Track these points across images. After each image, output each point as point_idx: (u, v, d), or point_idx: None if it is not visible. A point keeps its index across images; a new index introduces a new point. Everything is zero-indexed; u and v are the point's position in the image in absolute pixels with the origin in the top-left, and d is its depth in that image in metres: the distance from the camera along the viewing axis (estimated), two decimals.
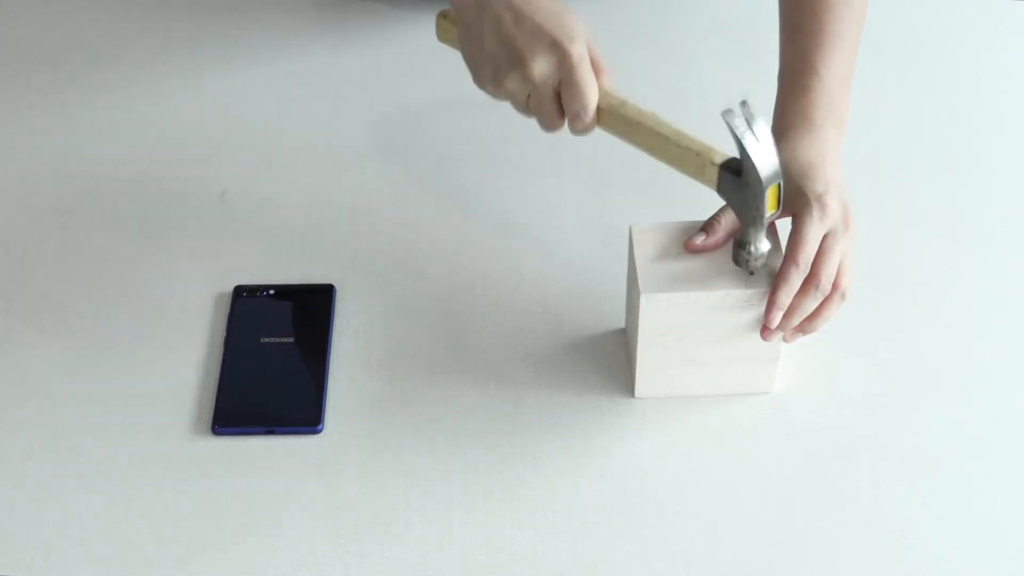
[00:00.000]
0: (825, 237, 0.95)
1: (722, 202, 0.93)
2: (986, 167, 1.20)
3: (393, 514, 0.96)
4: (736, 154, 0.89)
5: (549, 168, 1.20)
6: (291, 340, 1.06)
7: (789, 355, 1.03)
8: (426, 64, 1.29)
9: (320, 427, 1.00)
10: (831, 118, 1.00)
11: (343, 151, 1.22)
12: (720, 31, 1.31)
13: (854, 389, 1.03)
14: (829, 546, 0.94)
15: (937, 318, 1.07)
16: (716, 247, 0.97)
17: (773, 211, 0.91)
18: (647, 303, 0.96)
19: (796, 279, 0.94)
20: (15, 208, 1.18)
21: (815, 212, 0.94)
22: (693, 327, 0.97)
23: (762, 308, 0.96)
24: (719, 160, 0.90)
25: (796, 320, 0.96)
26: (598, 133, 0.94)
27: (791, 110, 1.01)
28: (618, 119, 0.92)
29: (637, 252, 0.98)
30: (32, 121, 1.25)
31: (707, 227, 0.97)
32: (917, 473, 0.98)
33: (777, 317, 0.95)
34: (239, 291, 1.09)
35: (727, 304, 0.96)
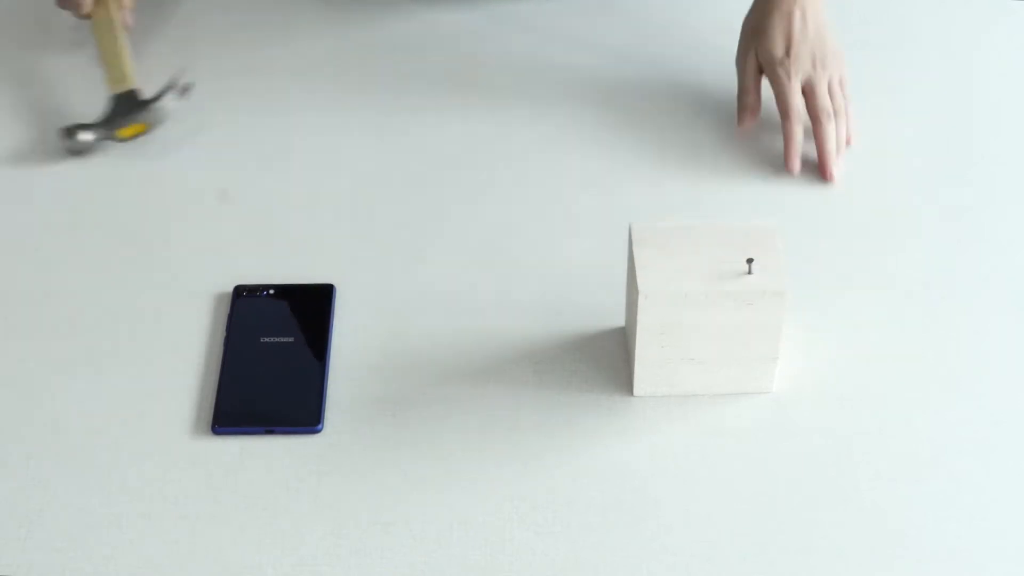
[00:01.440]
0: (804, 83, 1.18)
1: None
2: (986, 166, 1.20)
3: (393, 514, 0.96)
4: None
5: (549, 167, 1.20)
6: (291, 340, 1.06)
7: (788, 355, 1.03)
8: (426, 64, 1.29)
9: (320, 427, 1.00)
10: None
11: (343, 151, 1.22)
12: (723, 32, 1.31)
13: (853, 389, 1.03)
14: (828, 545, 0.94)
15: (937, 318, 1.07)
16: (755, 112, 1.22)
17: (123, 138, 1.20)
18: (646, 302, 0.96)
19: (798, 127, 1.17)
20: (15, 208, 1.18)
21: (780, 75, 1.18)
22: (692, 326, 0.97)
23: (762, 308, 0.96)
24: (118, 89, 1.21)
25: (831, 146, 1.17)
26: None
27: None
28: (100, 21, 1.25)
29: (637, 251, 0.98)
30: (32, 120, 1.25)
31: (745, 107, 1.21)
32: (916, 473, 0.98)
33: (796, 161, 1.17)
34: (239, 291, 1.09)
35: (727, 304, 0.96)
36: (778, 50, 1.19)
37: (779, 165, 1.19)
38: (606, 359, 1.04)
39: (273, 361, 1.04)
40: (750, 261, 0.96)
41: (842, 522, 0.95)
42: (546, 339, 1.06)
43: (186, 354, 1.05)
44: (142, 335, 1.07)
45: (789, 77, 1.18)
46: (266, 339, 1.05)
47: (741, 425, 1.01)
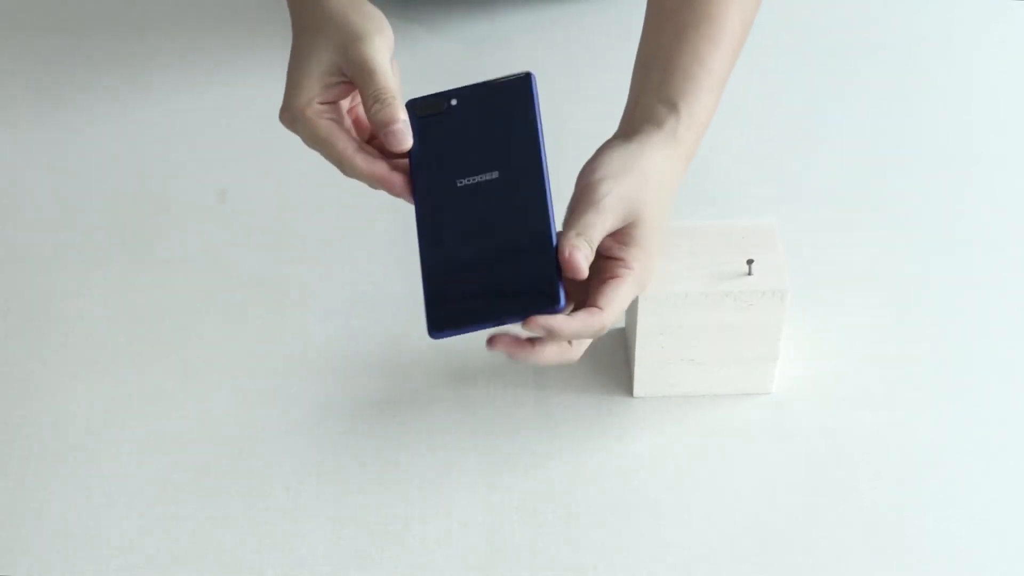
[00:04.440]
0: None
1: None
2: (986, 166, 1.20)
3: (393, 514, 0.96)
4: None
5: (549, 167, 1.20)
6: (495, 175, 0.81)
7: (788, 356, 1.03)
8: (427, 64, 1.29)
9: (561, 304, 0.79)
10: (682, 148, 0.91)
11: None
12: None
13: (853, 389, 1.03)
14: (828, 545, 0.94)
15: (937, 318, 1.07)
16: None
17: None
18: (646, 303, 0.96)
19: (591, 332, 0.83)
20: (16, 208, 1.18)
21: (641, 280, 0.85)
22: (692, 327, 0.97)
23: (762, 308, 0.96)
24: None
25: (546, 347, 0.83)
26: None
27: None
28: None
29: None
30: (33, 122, 1.25)
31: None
32: (916, 473, 0.98)
33: (538, 330, 0.81)
34: (413, 107, 0.84)
35: (726, 304, 0.96)
36: (652, 242, 0.86)
37: (779, 165, 1.19)
38: (606, 359, 1.04)
39: (480, 211, 0.81)
40: (750, 262, 0.96)
41: (842, 522, 0.95)
42: None
43: (185, 355, 1.06)
44: (143, 336, 1.07)
45: (640, 287, 0.86)
46: (464, 180, 0.82)
47: (741, 426, 1.01)
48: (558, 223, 0.84)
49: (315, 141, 0.87)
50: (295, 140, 1.24)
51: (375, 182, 0.86)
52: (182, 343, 1.07)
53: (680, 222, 0.99)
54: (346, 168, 0.86)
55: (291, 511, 0.96)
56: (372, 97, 0.84)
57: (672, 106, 0.90)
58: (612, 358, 1.05)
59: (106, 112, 1.25)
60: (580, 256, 0.81)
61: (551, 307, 0.79)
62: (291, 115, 0.87)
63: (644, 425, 1.01)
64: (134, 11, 1.35)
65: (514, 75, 0.85)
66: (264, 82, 1.29)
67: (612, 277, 0.84)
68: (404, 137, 0.84)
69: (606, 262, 0.85)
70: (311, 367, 1.05)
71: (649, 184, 0.86)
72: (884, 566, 0.93)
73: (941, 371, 1.04)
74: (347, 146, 0.86)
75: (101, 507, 0.96)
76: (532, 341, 0.83)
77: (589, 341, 0.86)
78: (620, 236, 0.85)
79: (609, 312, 0.83)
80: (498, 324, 0.81)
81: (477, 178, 0.83)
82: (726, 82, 0.94)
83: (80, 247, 1.14)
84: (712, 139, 1.23)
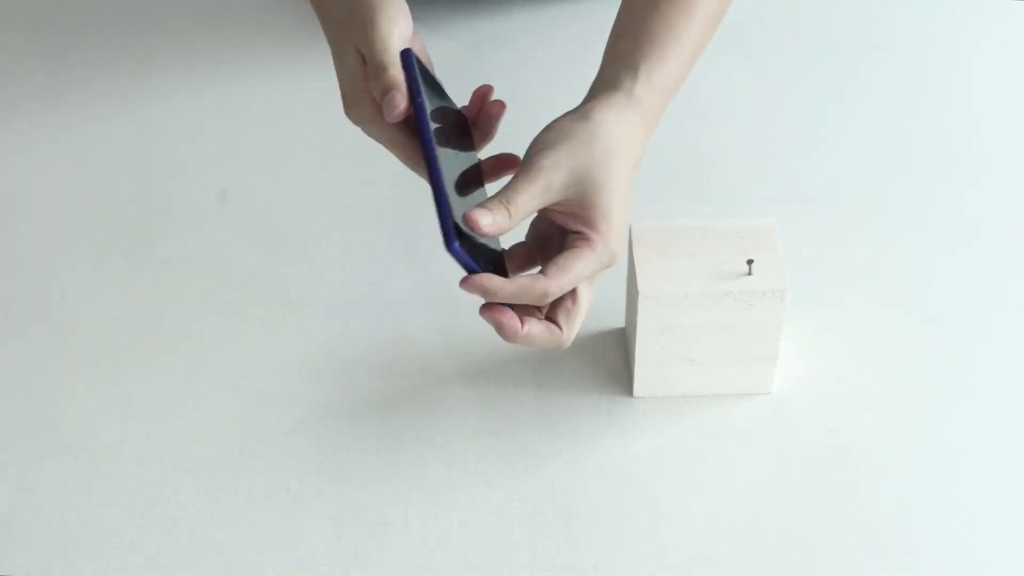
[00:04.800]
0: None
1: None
2: (986, 166, 1.20)
3: (393, 514, 0.96)
4: None
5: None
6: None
7: (788, 356, 1.03)
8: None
9: (453, 245, 0.82)
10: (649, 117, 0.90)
11: (343, 150, 1.22)
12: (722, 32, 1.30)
13: (853, 389, 1.03)
14: (828, 545, 0.94)
15: (937, 318, 1.07)
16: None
17: None
18: (646, 303, 0.96)
19: (532, 297, 0.83)
20: (16, 208, 1.18)
21: (600, 252, 0.84)
22: (692, 327, 0.97)
23: (762, 308, 0.96)
24: None
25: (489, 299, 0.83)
26: None
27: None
28: None
29: (637, 252, 0.98)
30: (33, 122, 1.25)
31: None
32: (916, 473, 0.98)
33: (474, 290, 0.82)
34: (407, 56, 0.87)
35: (726, 304, 0.96)
36: (615, 216, 0.85)
37: (779, 165, 1.19)
38: (606, 359, 1.04)
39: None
40: (750, 262, 0.96)
41: (842, 522, 0.95)
42: None
43: (185, 355, 1.06)
44: (143, 336, 1.07)
45: (601, 264, 0.85)
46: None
47: (741, 426, 1.01)
48: None
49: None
50: (295, 140, 1.24)
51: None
52: (182, 343, 1.07)
53: (680, 222, 0.99)
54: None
55: (291, 511, 0.96)
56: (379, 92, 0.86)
57: (633, 69, 0.89)
58: (612, 358, 1.05)
59: (106, 112, 1.25)
60: (476, 214, 0.82)
61: (447, 245, 0.82)
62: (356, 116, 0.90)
63: (644, 425, 1.01)
64: (134, 11, 1.35)
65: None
66: (264, 82, 1.29)
67: (568, 248, 0.84)
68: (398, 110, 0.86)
69: (567, 236, 0.85)
70: (311, 367, 1.05)
71: (594, 146, 0.85)
72: (884, 566, 0.93)
73: (941, 371, 1.04)
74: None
75: (101, 507, 0.96)
76: (520, 316, 0.83)
77: (577, 327, 0.86)
78: (576, 207, 0.85)
79: (554, 280, 0.83)
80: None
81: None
82: (699, 53, 0.93)
83: (80, 247, 1.14)
84: (712, 139, 1.23)
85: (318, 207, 1.17)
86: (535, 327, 0.84)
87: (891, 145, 1.21)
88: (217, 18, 1.35)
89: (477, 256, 0.82)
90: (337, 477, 0.98)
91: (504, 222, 0.83)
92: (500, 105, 0.90)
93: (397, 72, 0.85)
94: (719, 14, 0.93)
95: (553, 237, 0.88)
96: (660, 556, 0.93)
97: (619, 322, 1.06)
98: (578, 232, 0.85)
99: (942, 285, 1.10)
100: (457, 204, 0.84)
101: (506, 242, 0.88)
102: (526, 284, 0.82)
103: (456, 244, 0.81)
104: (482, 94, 0.91)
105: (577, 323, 0.86)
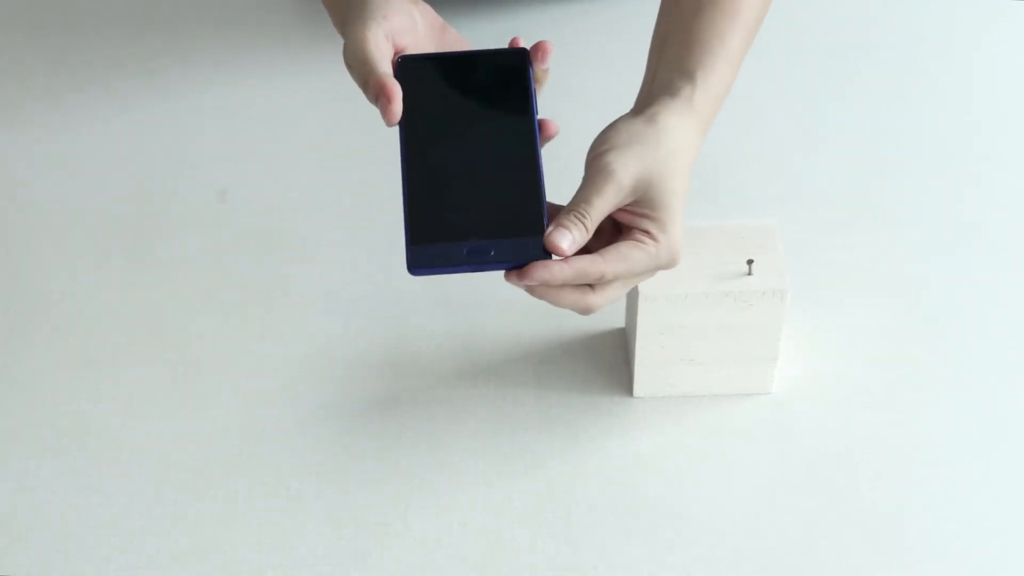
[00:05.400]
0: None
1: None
2: (986, 166, 1.20)
3: (393, 514, 0.96)
4: None
5: (549, 167, 1.20)
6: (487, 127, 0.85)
7: (788, 356, 1.03)
8: None
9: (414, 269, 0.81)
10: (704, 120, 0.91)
11: (343, 150, 1.22)
12: None
13: (853, 390, 1.03)
14: (828, 545, 0.94)
15: (937, 318, 1.07)
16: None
17: None
18: (646, 303, 0.96)
19: (589, 279, 0.82)
20: (16, 208, 1.18)
21: (661, 251, 0.84)
22: (692, 327, 0.97)
23: (762, 308, 0.96)
24: None
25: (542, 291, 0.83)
26: None
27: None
28: None
29: None
30: (33, 122, 1.25)
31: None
32: (916, 473, 0.98)
33: (531, 282, 0.81)
34: (405, 63, 0.87)
35: (726, 304, 0.96)
36: (677, 214, 0.86)
37: (779, 165, 1.19)
38: (606, 359, 1.04)
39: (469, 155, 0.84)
40: (750, 262, 0.96)
41: (842, 522, 0.95)
42: (546, 339, 1.06)
43: (185, 355, 1.06)
44: (143, 336, 1.07)
45: (659, 263, 0.85)
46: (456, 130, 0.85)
47: (741, 426, 1.01)
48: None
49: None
50: (295, 140, 1.24)
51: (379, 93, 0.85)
52: (182, 343, 1.07)
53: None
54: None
55: (291, 511, 0.96)
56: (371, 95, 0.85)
57: (689, 76, 0.90)
58: (612, 358, 1.05)
59: (106, 112, 1.25)
60: (555, 239, 0.81)
61: (536, 236, 0.80)
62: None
63: (644, 425, 1.01)
64: (134, 11, 1.35)
65: (510, 48, 0.87)
66: (264, 82, 1.29)
67: (630, 237, 0.84)
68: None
69: (629, 232, 0.85)
70: (311, 367, 1.05)
71: (661, 148, 0.85)
72: (884, 566, 0.93)
73: (941, 371, 1.04)
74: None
75: (101, 507, 0.96)
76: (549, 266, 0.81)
77: (612, 296, 0.84)
78: (644, 206, 0.84)
79: (611, 264, 0.82)
80: (477, 264, 0.80)
81: (470, 129, 0.85)
82: (743, 57, 0.94)
83: (80, 247, 1.14)
84: (712, 139, 1.23)
85: (318, 207, 1.17)
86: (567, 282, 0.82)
87: (891, 145, 1.21)
88: (217, 18, 1.35)
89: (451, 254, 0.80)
90: (337, 477, 0.98)
91: (582, 237, 0.82)
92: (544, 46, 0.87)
93: (378, 79, 0.84)
94: (760, 19, 0.95)
95: (604, 226, 0.86)
96: (660, 556, 0.93)
97: (619, 322, 1.06)
98: (644, 231, 0.85)
99: (942, 285, 1.10)
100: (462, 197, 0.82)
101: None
102: (583, 267, 0.82)
103: (415, 269, 0.79)
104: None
105: (611, 295, 0.85)
